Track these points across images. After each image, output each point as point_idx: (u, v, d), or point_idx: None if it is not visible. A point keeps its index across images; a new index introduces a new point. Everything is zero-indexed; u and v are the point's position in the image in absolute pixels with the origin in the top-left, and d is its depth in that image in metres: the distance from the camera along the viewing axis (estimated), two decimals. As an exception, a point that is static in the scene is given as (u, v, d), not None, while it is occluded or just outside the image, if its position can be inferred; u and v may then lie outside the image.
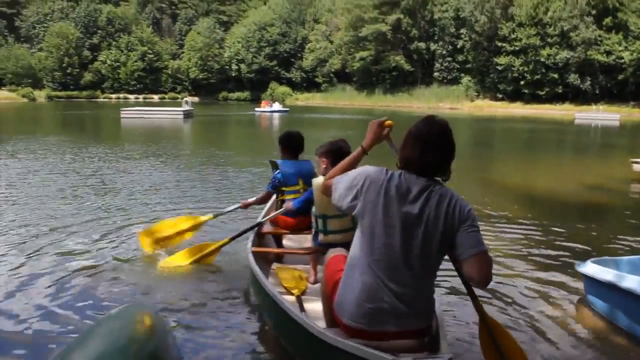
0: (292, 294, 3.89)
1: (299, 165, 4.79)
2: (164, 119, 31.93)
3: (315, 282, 4.16)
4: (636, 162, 11.59)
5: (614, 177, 11.96)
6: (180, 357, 2.77)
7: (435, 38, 66.37)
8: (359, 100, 67.88)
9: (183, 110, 34.22)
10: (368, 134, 2.91)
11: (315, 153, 4.02)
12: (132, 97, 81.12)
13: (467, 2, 60.32)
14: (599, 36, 53.44)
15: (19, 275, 4.49)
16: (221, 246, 4.92)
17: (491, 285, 2.68)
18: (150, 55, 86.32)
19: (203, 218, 5.48)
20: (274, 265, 4.66)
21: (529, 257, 5.33)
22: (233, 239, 4.87)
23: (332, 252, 3.11)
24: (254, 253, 4.23)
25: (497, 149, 20.31)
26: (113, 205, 7.49)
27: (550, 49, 53.97)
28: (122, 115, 31.79)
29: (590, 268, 3.96)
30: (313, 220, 3.95)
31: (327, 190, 2.79)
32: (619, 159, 14.69)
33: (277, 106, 46.51)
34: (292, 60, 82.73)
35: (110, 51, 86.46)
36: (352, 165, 2.86)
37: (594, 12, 53.74)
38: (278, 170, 4.77)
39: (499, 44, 57.02)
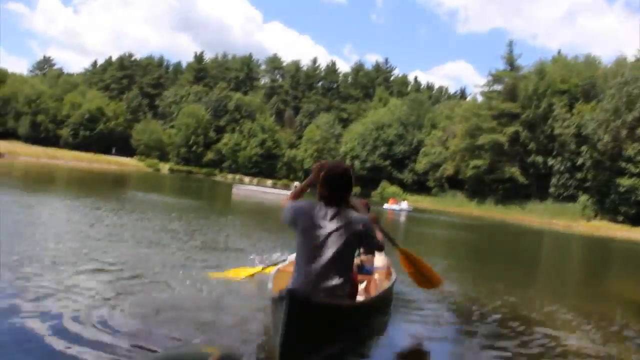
0: None
1: None
2: (272, 200, 33.06)
3: None
4: None
5: None
6: None
7: (554, 153, 64.85)
8: (469, 208, 66.83)
9: None
10: (310, 177, 4.37)
11: None
12: (247, 179, 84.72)
13: (590, 120, 58.97)
14: None
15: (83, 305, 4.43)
16: (256, 272, 6.22)
17: None
18: (269, 143, 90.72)
19: (256, 269, 6.51)
20: None
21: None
22: (264, 268, 6.22)
23: None
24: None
25: (617, 268, 19.05)
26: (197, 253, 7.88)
27: (680, 174, 51.07)
28: (233, 191, 33.37)
29: None
30: None
31: (283, 207, 4.23)
32: None
33: (404, 205, 49.17)
34: (406, 162, 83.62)
35: (233, 135, 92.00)
36: (299, 195, 4.52)
37: None
38: None
39: (623, 164, 54.79)
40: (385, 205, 49.14)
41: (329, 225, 3.87)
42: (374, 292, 4.73)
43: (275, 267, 5.78)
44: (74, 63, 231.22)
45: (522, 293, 8.11)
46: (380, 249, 4.48)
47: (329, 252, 3.82)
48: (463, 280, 8.56)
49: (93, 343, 3.51)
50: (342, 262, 3.90)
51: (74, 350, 3.38)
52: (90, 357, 3.28)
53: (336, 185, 4.00)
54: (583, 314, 6.82)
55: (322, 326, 3.48)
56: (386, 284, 5.06)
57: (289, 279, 4.58)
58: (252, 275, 6.16)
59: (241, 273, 6.32)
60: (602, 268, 17.50)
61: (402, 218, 34.99)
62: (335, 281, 3.83)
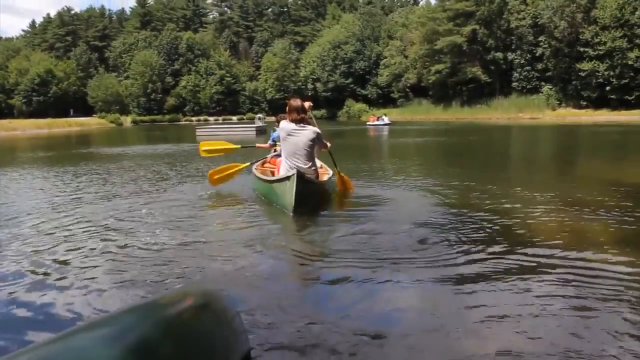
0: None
1: None
2: (237, 135, 32.70)
3: None
4: None
5: None
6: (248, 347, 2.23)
7: (513, 47, 64.65)
8: (436, 114, 67.16)
9: (255, 127, 34.43)
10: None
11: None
12: (211, 119, 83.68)
13: (545, 9, 58.55)
14: (692, 35, 50.55)
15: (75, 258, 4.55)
16: (243, 168, 8.58)
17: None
18: (228, 78, 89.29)
19: (244, 165, 8.72)
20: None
21: (622, 242, 4.89)
22: (251, 164, 8.55)
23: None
24: (256, 169, 8.26)
25: (585, 150, 19.35)
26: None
27: (639, 51, 51.41)
28: (197, 134, 32.94)
29: None
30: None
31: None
32: None
33: (386, 119, 49.26)
34: (367, 77, 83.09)
35: (190, 76, 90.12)
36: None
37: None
38: (275, 132, 8.76)
39: (581, 49, 54.96)
40: (368, 123, 49.17)
41: (296, 133, 6.69)
42: (319, 179, 7.40)
43: (253, 167, 8.43)
44: (9, 26, 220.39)
45: (497, 184, 8.26)
46: (327, 147, 7.24)
47: (300, 149, 6.67)
48: (439, 177, 8.48)
49: (62, 299, 3.54)
50: (308, 155, 6.75)
51: (40, 305, 3.46)
52: (53, 315, 3.31)
53: (295, 110, 6.73)
54: (557, 196, 6.96)
55: (308, 191, 6.26)
56: (326, 175, 7.95)
57: (263, 172, 8.10)
58: (241, 168, 8.55)
59: (231, 169, 8.57)
60: (571, 153, 17.82)
61: (385, 132, 34.89)
62: (307, 166, 6.70)
